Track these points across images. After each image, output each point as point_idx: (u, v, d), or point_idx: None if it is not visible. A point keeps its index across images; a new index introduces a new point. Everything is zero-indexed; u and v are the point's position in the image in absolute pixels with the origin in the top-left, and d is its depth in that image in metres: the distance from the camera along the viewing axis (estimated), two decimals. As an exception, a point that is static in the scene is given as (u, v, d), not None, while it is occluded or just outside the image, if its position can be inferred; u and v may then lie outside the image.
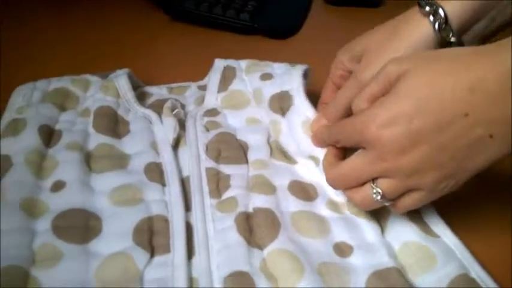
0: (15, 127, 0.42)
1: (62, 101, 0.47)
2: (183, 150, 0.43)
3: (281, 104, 0.46)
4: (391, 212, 0.37)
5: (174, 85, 0.54)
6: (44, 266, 0.31)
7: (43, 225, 0.34)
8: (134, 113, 0.47)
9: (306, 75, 0.48)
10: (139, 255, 0.32)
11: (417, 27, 0.39)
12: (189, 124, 0.46)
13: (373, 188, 0.33)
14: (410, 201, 0.34)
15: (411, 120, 0.30)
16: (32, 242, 0.33)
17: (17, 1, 0.75)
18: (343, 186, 0.37)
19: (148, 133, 0.44)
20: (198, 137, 0.44)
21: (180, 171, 0.41)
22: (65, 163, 0.39)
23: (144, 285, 0.31)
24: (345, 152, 0.40)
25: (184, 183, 0.40)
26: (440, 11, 0.37)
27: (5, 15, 0.71)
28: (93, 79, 0.50)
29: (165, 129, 0.44)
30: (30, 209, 0.35)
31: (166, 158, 0.41)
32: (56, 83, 0.49)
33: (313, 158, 0.42)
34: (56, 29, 0.69)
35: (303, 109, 0.44)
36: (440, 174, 0.31)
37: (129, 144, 0.43)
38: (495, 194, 0.42)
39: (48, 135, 0.43)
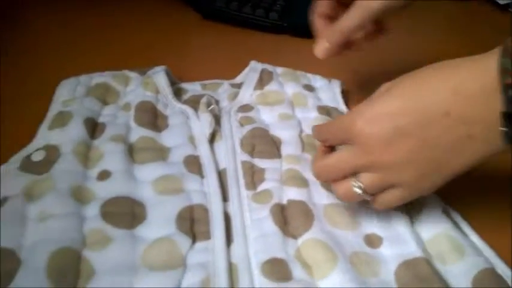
0: (62, 119, 0.45)
1: (104, 95, 0.50)
2: (218, 145, 0.46)
3: (331, 115, 0.51)
4: (424, 205, 0.38)
5: (207, 82, 0.57)
6: (95, 248, 0.34)
7: (92, 211, 0.37)
8: (172, 108, 0.49)
9: None
10: (183, 241, 0.35)
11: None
12: (224, 119, 0.48)
13: (355, 182, 0.35)
14: (389, 197, 0.35)
15: (397, 118, 0.32)
16: (82, 227, 0.35)
17: (58, 3, 0.77)
18: (326, 178, 0.38)
19: (186, 127, 0.46)
20: (233, 131, 0.46)
21: (217, 164, 0.43)
22: (110, 154, 0.42)
23: (187, 269, 0.33)
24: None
25: (221, 176, 0.42)
26: None
27: (48, 16, 0.73)
28: (133, 75, 0.53)
29: (201, 124, 0.46)
30: (79, 196, 0.38)
31: (203, 151, 0.44)
32: (98, 78, 0.51)
33: None
34: (95, 28, 0.71)
35: None
36: (421, 172, 0.33)
37: (168, 138, 0.46)
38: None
39: (93, 128, 0.45)
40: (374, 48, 0.49)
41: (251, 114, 0.49)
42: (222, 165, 0.43)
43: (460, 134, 0.31)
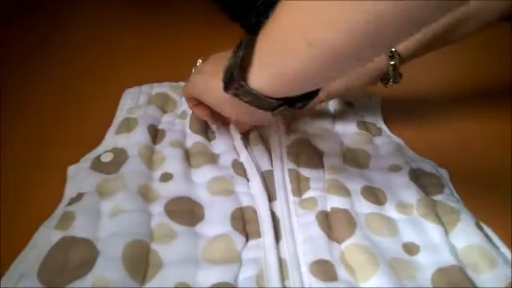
0: (128, 125, 0.50)
1: (163, 104, 0.55)
2: (258, 149, 0.49)
3: (370, 130, 0.55)
4: (459, 219, 0.42)
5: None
6: (162, 241, 0.38)
7: (157, 208, 0.41)
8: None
9: None
10: (238, 239, 0.39)
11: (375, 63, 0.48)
12: (271, 129, 0.52)
13: None
14: None
15: None
16: (150, 222, 0.39)
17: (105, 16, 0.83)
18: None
19: (228, 138, 0.51)
20: (280, 138, 0.50)
21: (258, 167, 0.47)
22: (170, 158, 0.46)
23: (242, 264, 0.37)
24: None
25: (264, 177, 0.46)
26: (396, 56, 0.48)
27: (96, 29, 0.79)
28: None
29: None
30: (146, 194, 0.42)
31: (243, 158, 0.48)
32: (158, 88, 0.56)
33: (395, 167, 0.48)
34: (144, 40, 0.76)
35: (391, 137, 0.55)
36: None
37: (216, 146, 0.50)
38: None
39: (155, 133, 0.50)
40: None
41: (295, 125, 0.53)
42: (264, 167, 0.47)
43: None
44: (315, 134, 0.53)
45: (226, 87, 0.39)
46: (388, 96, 0.62)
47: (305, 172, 0.47)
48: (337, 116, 0.57)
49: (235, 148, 0.49)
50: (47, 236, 0.38)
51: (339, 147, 0.51)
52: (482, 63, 0.75)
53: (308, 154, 0.49)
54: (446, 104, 0.64)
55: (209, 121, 0.51)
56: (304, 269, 0.37)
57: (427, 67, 0.71)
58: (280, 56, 0.34)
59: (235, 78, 0.37)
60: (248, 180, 0.45)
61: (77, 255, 0.36)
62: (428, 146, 0.54)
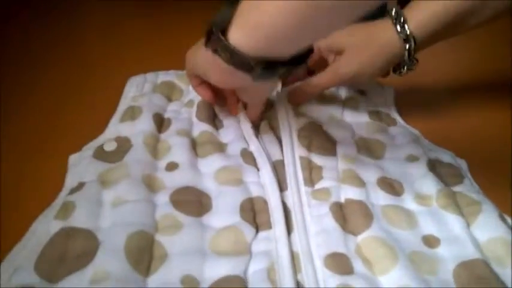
0: (133, 113, 0.48)
1: (169, 92, 0.53)
2: (268, 136, 0.47)
3: (383, 120, 0.53)
4: (481, 210, 0.39)
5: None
6: (167, 233, 0.36)
7: (162, 198, 0.39)
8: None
9: None
10: (247, 230, 0.37)
11: (389, 37, 0.47)
12: (279, 105, 0.50)
13: None
14: None
15: None
16: (154, 213, 0.37)
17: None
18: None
19: (237, 128, 0.48)
20: (290, 121, 0.48)
21: (269, 156, 0.44)
22: (176, 147, 0.44)
23: (252, 256, 0.35)
24: None
25: (275, 167, 0.43)
26: (406, 27, 0.46)
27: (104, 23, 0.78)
28: None
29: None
30: (150, 184, 0.40)
31: (253, 146, 0.45)
32: (164, 76, 0.54)
33: (411, 157, 0.46)
34: (150, 29, 0.75)
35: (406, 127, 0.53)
36: None
37: (224, 135, 0.48)
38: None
39: (160, 122, 0.48)
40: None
41: (302, 109, 0.51)
42: (275, 157, 0.45)
43: None
44: (324, 121, 0.50)
45: (206, 42, 0.38)
46: (400, 87, 0.60)
47: (317, 160, 0.45)
48: (347, 104, 0.54)
49: (244, 137, 0.47)
50: (45, 226, 0.36)
51: (351, 136, 0.49)
52: (495, 54, 0.73)
53: (321, 140, 0.47)
54: (460, 95, 0.62)
55: (213, 103, 0.50)
56: (318, 263, 0.35)
57: (438, 59, 0.69)
58: (255, 9, 0.34)
59: (213, 32, 0.36)
60: (258, 170, 0.43)
61: (77, 246, 0.34)
62: (444, 137, 0.51)
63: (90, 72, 0.61)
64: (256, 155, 0.44)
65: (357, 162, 0.45)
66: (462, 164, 0.47)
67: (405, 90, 0.60)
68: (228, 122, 0.50)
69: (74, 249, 0.34)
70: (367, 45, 0.48)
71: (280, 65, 0.38)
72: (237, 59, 0.36)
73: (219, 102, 0.49)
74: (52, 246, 0.34)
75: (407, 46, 0.47)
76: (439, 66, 0.68)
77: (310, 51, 0.48)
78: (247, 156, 0.44)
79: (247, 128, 0.48)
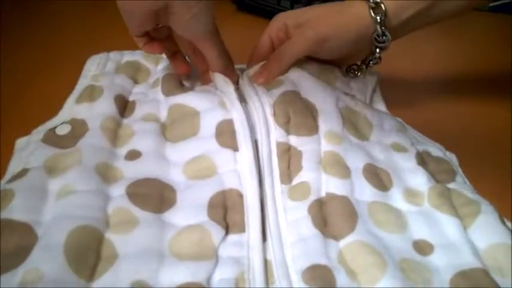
0: (92, 94, 0.42)
1: (134, 73, 0.47)
2: (252, 102, 0.41)
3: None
4: (481, 211, 0.35)
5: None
6: (119, 230, 0.31)
7: (118, 191, 0.34)
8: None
9: None
10: (215, 231, 0.31)
11: (361, 9, 0.44)
12: (244, 81, 0.44)
13: None
14: None
15: None
16: (107, 206, 0.32)
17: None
18: None
19: (214, 94, 0.42)
20: (260, 96, 0.42)
21: (253, 130, 0.39)
22: (140, 133, 0.39)
23: (219, 262, 0.30)
24: None
25: (257, 147, 0.38)
26: (382, 6, 0.43)
27: None
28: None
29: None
30: (105, 174, 0.35)
31: (236, 114, 0.39)
32: (129, 56, 0.49)
33: (398, 146, 0.41)
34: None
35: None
36: None
37: (198, 101, 0.41)
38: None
39: (123, 105, 0.42)
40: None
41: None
42: (257, 134, 0.39)
43: None
44: (302, 82, 0.43)
45: None
46: (386, 78, 0.55)
47: (297, 142, 0.38)
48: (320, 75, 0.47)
49: (221, 104, 0.40)
50: (-24, 218, 0.30)
51: (335, 103, 0.42)
52: (484, 50, 0.70)
53: (300, 112, 0.40)
54: (447, 88, 0.58)
55: (165, 54, 0.45)
56: (295, 277, 0.30)
57: (426, 52, 0.67)
58: None
59: None
60: (236, 150, 0.37)
61: (11, 243, 0.29)
62: (430, 129, 0.47)
63: (50, 53, 0.55)
64: (237, 125, 0.38)
65: (342, 143, 0.38)
66: (452, 158, 0.43)
67: (390, 81, 0.56)
68: (200, 88, 0.44)
69: (7, 246, 0.29)
70: (339, 11, 0.45)
71: None
72: None
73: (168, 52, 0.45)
74: (-20, 242, 0.28)
75: (378, 17, 0.43)
76: (427, 59, 0.65)
77: None
78: (224, 134, 0.38)
79: (229, 91, 0.42)
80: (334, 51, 0.46)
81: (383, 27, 0.44)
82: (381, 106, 0.50)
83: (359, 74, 0.50)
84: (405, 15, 0.44)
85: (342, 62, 0.50)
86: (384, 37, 0.44)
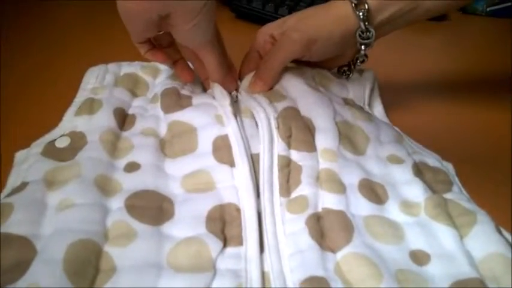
0: (91, 106, 0.43)
1: (133, 86, 0.48)
2: (247, 120, 0.42)
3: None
4: (477, 221, 0.35)
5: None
6: (118, 243, 0.31)
7: (116, 203, 0.34)
8: (198, 93, 0.47)
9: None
10: (213, 243, 0.32)
11: (345, 8, 0.45)
12: (244, 96, 0.45)
13: None
14: None
15: None
16: (106, 219, 0.33)
17: None
18: None
19: (211, 107, 0.43)
20: (265, 108, 0.42)
21: (248, 145, 0.39)
22: (140, 147, 0.39)
23: (217, 274, 0.30)
24: None
25: (253, 162, 0.38)
26: (365, 4, 0.44)
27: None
28: (162, 67, 0.51)
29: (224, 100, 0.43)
30: (104, 186, 0.35)
31: (231, 129, 0.40)
32: (127, 68, 0.49)
33: (395, 158, 0.41)
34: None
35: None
36: None
37: (195, 117, 0.42)
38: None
39: (123, 118, 0.43)
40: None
41: (276, 86, 0.46)
42: (253, 149, 0.39)
43: None
44: (300, 97, 0.44)
45: None
46: (385, 82, 0.56)
47: (297, 157, 0.39)
48: (319, 80, 0.49)
49: (218, 119, 0.41)
50: (-24, 232, 0.30)
51: (332, 116, 0.42)
52: (483, 54, 0.71)
53: (300, 130, 0.40)
54: (446, 93, 0.59)
55: (167, 64, 0.46)
56: None
57: (426, 56, 0.68)
58: None
59: None
60: (233, 166, 0.37)
61: (10, 257, 0.29)
62: (428, 133, 0.48)
63: (49, 62, 0.56)
64: (232, 141, 0.39)
65: (338, 160, 0.39)
66: (449, 167, 0.43)
67: (391, 85, 0.57)
68: (199, 101, 0.44)
69: (7, 260, 0.29)
70: (322, 12, 0.46)
71: None
72: None
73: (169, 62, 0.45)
74: (-20, 256, 0.28)
75: (360, 14, 0.44)
76: (424, 63, 0.65)
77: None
78: (220, 150, 0.38)
79: (224, 104, 0.42)
80: (321, 52, 0.46)
81: (366, 23, 0.44)
82: (379, 110, 0.50)
83: (351, 74, 0.51)
84: (388, 12, 0.45)
85: (331, 64, 0.51)
86: (368, 33, 0.45)
